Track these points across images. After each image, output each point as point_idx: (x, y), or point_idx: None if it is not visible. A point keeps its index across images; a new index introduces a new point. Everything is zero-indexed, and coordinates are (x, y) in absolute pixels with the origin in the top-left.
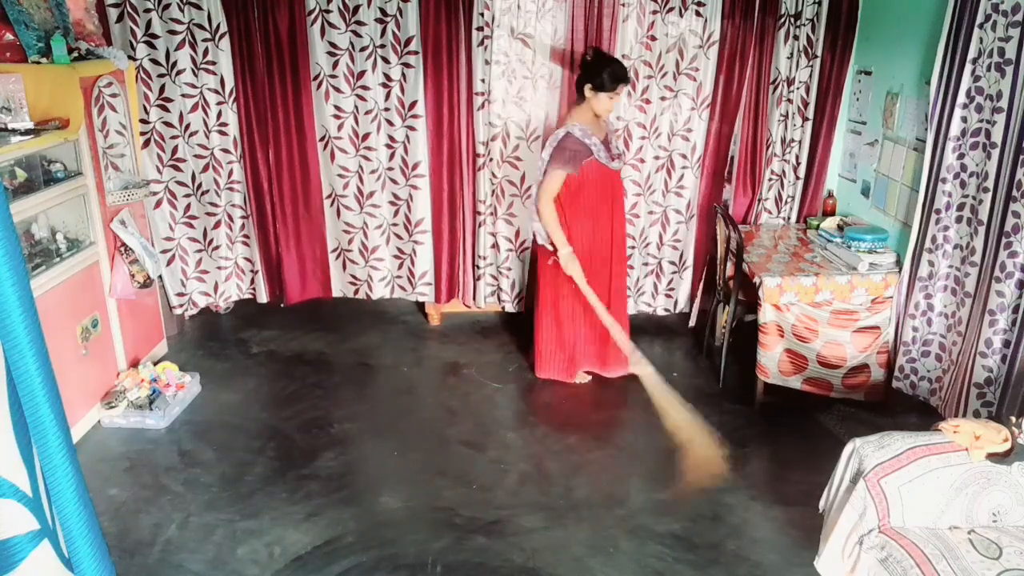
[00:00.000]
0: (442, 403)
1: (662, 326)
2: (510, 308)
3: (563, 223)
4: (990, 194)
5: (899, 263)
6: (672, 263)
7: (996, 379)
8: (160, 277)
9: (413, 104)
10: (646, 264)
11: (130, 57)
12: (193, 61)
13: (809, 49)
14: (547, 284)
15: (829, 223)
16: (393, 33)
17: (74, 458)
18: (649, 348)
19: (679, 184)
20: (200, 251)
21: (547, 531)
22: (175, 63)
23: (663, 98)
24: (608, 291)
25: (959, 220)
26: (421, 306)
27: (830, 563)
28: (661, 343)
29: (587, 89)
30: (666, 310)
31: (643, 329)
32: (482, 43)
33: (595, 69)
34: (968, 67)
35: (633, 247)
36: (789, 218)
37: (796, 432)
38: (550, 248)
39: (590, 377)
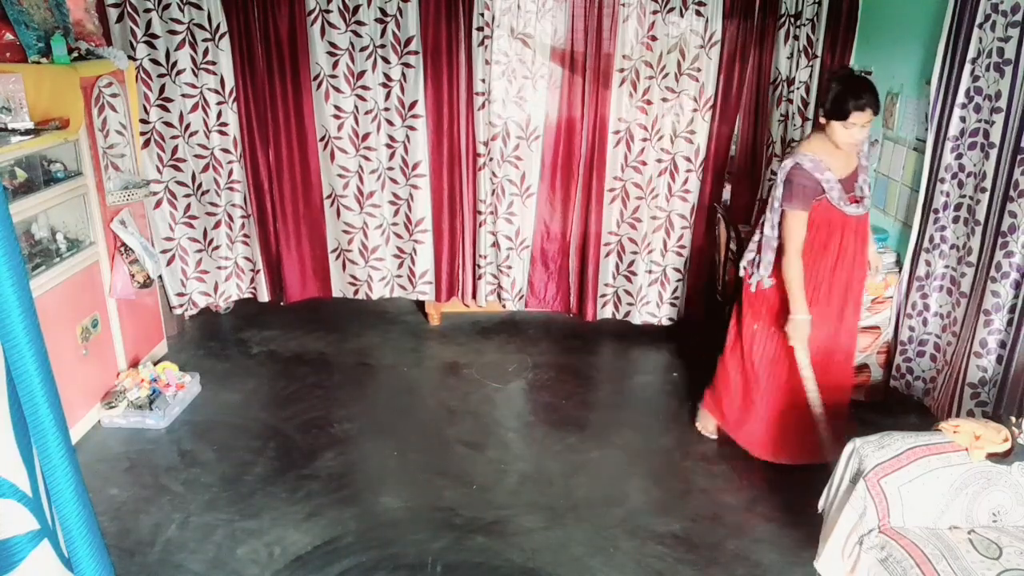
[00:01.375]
0: (442, 403)
1: (663, 325)
2: (511, 306)
3: (776, 273)
4: (987, 194)
5: (899, 263)
6: (677, 270)
7: (991, 379)
8: (160, 277)
9: (413, 104)
10: (650, 272)
11: (130, 57)
12: (193, 61)
13: (809, 49)
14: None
15: None
16: (393, 33)
17: (74, 458)
18: (650, 348)
19: (683, 188)
20: (200, 251)
21: (547, 531)
22: (175, 63)
23: (664, 99)
24: (826, 372)
25: (956, 220)
26: (421, 306)
27: (830, 563)
28: (662, 343)
29: (820, 115)
30: (671, 319)
31: (644, 329)
32: (482, 43)
33: (829, 92)
34: (968, 67)
35: (636, 252)
36: None
37: None
38: (750, 281)
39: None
